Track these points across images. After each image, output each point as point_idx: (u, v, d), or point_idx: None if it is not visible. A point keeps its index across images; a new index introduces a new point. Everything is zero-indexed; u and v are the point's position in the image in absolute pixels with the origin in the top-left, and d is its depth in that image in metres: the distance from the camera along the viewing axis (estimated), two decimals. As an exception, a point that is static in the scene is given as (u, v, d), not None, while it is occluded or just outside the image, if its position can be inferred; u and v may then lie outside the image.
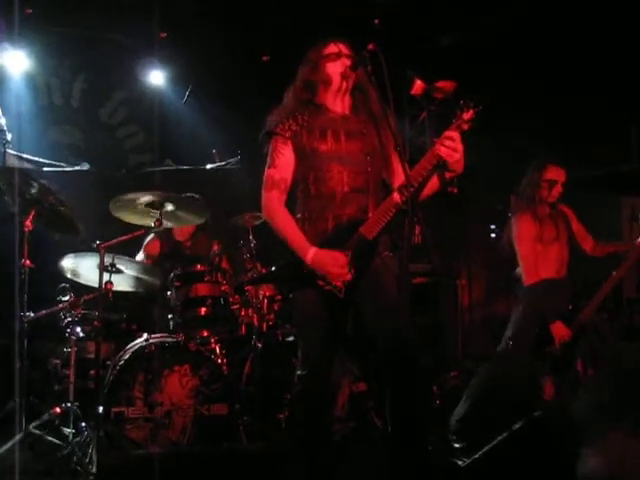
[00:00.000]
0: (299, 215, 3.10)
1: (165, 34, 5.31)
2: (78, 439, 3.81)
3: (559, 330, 4.09)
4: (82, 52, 5.70)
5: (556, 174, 4.28)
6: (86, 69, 5.85)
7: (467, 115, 2.85)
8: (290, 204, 3.12)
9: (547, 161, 4.34)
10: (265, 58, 5.62)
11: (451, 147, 2.85)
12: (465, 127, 2.86)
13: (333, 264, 2.93)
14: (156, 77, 5.75)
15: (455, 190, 5.82)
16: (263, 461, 3.38)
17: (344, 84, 3.07)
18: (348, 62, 3.05)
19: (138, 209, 3.91)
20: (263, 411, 4.08)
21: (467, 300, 6.46)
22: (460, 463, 3.44)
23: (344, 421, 4.13)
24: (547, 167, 4.30)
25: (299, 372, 3.09)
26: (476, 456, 3.09)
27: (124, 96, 6.00)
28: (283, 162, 3.08)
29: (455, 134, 2.86)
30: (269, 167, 3.10)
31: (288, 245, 3.02)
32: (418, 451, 3.03)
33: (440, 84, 5.36)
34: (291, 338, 4.16)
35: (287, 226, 3.05)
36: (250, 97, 5.44)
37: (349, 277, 2.94)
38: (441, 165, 2.91)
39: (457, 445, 4.15)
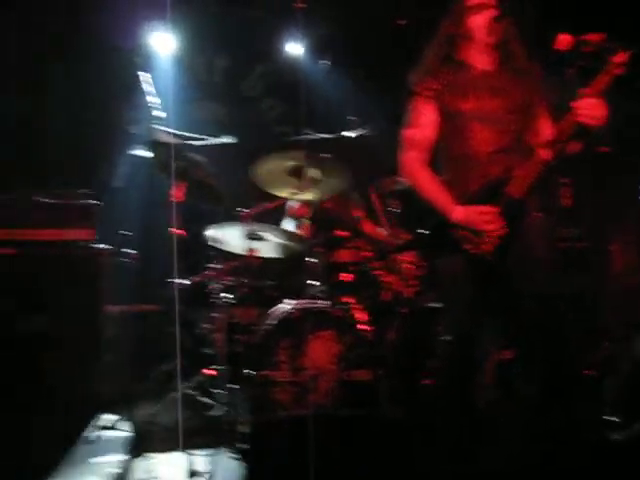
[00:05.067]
0: (442, 178, 3.03)
1: (303, 5, 5.33)
2: (228, 401, 3.96)
3: None
4: (224, 30, 5.84)
5: None
6: (228, 46, 6.00)
7: (619, 58, 2.65)
8: (432, 167, 3.06)
9: None
10: (401, 22, 5.52)
11: (590, 114, 2.67)
12: (618, 71, 2.67)
13: (481, 219, 2.83)
14: (295, 48, 5.82)
15: (607, 149, 5.51)
16: (405, 428, 3.37)
17: (488, 38, 2.94)
18: (493, 14, 2.87)
19: (281, 177, 3.98)
20: (407, 378, 4.05)
21: (620, 265, 6.11)
22: (615, 437, 3.27)
23: (489, 389, 4.04)
24: None
25: (445, 338, 3.04)
26: (634, 431, 2.92)
27: (264, 69, 6.11)
28: (423, 122, 3.00)
29: (594, 100, 2.67)
30: (408, 127, 3.03)
31: (432, 205, 2.95)
32: (565, 421, 2.93)
33: (589, 37, 5.02)
34: (436, 304, 4.09)
35: (430, 185, 2.97)
36: (389, 63, 5.38)
37: (499, 232, 2.84)
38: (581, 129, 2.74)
39: (611, 418, 3.95)
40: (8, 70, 5.13)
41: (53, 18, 5.34)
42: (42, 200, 4.20)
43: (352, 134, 4.65)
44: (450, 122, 2.97)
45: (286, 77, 5.90)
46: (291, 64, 5.85)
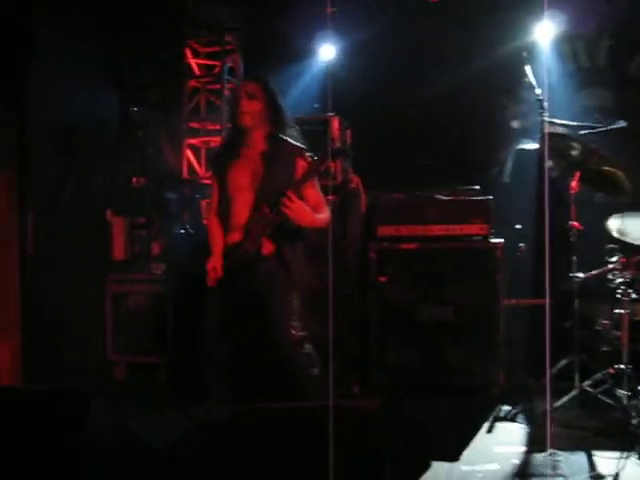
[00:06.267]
0: None
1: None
2: (633, 402, 3.73)
3: None
4: (606, 11, 5.54)
5: None
6: (611, 26, 5.68)
7: None
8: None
9: None
10: None
11: None
12: None
13: None
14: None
15: None
16: None
17: None
18: None
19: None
20: None
21: None
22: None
23: None
24: None
25: None
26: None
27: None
28: None
29: None
30: None
31: None
32: None
33: None
34: None
35: None
36: None
37: None
38: None
39: None
40: (396, 71, 5.46)
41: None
42: (440, 198, 4.45)
43: None
44: None
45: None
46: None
